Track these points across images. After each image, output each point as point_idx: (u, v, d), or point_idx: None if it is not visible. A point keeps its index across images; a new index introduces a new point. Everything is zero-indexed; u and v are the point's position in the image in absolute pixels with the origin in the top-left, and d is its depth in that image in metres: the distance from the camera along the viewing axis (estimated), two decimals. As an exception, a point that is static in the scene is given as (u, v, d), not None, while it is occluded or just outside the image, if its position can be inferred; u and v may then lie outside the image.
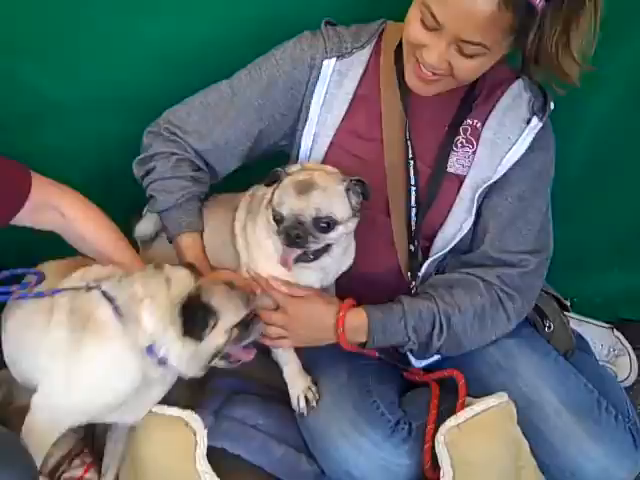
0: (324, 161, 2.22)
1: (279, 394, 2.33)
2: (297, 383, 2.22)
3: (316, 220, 1.99)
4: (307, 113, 2.21)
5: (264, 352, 2.24)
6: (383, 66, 2.19)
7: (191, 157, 2.24)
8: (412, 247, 2.22)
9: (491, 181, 2.16)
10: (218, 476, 2.06)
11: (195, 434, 2.05)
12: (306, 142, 2.22)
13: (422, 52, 1.98)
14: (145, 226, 2.38)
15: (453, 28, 1.89)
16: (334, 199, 2.01)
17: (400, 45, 2.11)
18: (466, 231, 2.20)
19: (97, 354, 1.97)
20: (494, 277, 2.18)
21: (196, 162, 2.25)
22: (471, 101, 2.18)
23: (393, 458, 2.10)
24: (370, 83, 2.20)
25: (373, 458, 2.09)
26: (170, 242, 2.28)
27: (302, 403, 2.20)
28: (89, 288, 2.03)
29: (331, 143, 2.21)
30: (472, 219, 2.19)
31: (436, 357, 2.29)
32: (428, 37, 1.95)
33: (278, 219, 2.01)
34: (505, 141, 2.16)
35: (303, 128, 2.22)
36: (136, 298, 1.96)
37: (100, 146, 2.51)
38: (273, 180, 2.06)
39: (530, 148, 2.15)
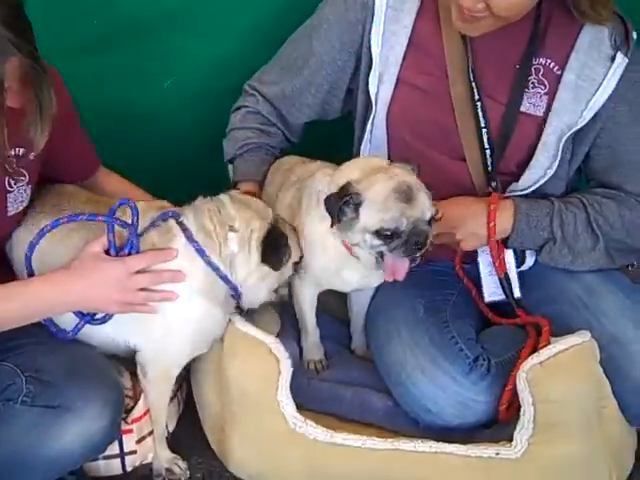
0: (393, 98, 2.19)
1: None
2: (311, 354, 2.31)
3: (430, 220, 1.95)
4: (369, 55, 2.19)
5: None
6: None
7: (261, 110, 2.33)
8: (490, 188, 2.20)
9: (578, 126, 2.11)
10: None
11: (278, 362, 2.05)
12: (373, 84, 2.19)
13: None
14: None
15: None
16: (427, 192, 1.97)
17: None
18: (549, 177, 2.16)
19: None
20: None
21: (266, 115, 2.34)
22: (540, 35, 2.11)
23: (471, 394, 2.08)
24: (429, 16, 2.16)
25: (451, 393, 2.08)
26: None
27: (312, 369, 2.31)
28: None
29: (397, 80, 2.19)
30: (557, 165, 2.15)
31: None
32: None
33: (391, 234, 1.91)
34: (590, 83, 2.10)
35: (368, 72, 2.20)
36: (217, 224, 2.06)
37: (179, 67, 2.53)
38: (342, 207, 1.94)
39: (629, 83, 2.09)
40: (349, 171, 2.02)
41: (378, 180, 1.94)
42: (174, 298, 2.00)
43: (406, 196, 1.90)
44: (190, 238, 2.03)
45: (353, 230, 1.96)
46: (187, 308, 2.04)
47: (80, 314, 2.01)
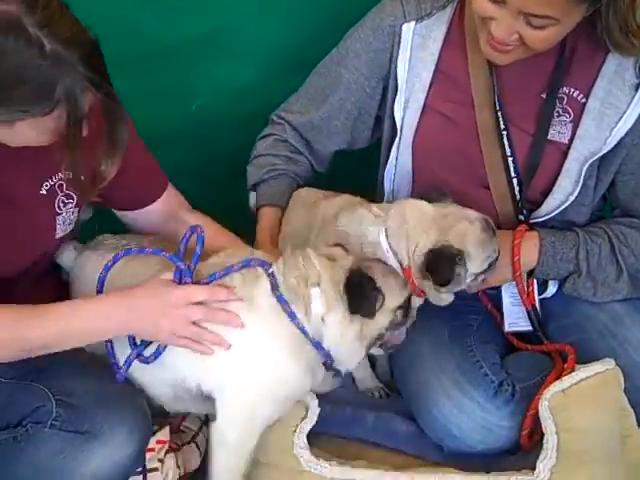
0: (419, 125, 2.21)
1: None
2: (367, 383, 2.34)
3: None
4: (395, 81, 2.20)
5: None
6: (468, 26, 2.14)
7: (289, 138, 2.35)
8: (522, 217, 2.21)
9: (601, 153, 2.12)
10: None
11: (307, 409, 2.03)
12: (399, 110, 2.21)
13: (491, 25, 1.94)
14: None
15: (516, 1, 1.86)
16: None
17: None
18: (570, 203, 2.17)
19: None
20: None
21: (294, 144, 2.35)
22: (566, 63, 2.11)
23: (495, 419, 2.09)
24: (455, 44, 2.17)
25: (475, 418, 2.09)
26: None
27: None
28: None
29: (423, 106, 2.20)
30: (578, 191, 2.15)
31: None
32: (495, 10, 1.91)
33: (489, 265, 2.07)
34: (614, 111, 2.10)
35: (394, 97, 2.21)
36: (301, 280, 1.86)
37: (206, 91, 2.53)
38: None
39: None
40: (419, 231, 2.04)
41: (465, 230, 2.01)
42: (226, 347, 1.85)
43: (492, 230, 2.03)
44: (275, 287, 1.85)
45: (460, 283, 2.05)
46: (273, 370, 1.87)
47: (133, 344, 1.91)
